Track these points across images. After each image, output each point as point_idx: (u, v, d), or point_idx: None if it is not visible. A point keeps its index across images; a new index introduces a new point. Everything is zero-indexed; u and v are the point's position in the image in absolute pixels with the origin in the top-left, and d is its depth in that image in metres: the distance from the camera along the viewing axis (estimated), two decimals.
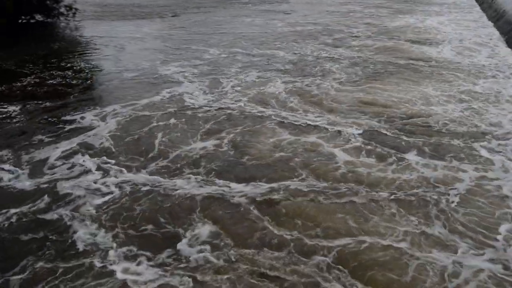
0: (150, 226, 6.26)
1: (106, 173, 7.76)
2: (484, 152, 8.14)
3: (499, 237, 5.73)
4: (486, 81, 12.44)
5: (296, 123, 9.90)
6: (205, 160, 8.21)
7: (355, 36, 19.47)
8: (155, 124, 10.07)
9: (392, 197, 6.72)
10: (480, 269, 5.14)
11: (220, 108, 10.97)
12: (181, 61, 15.99)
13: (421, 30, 20.49)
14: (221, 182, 7.37)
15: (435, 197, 6.66)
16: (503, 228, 5.85)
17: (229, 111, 10.74)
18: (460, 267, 5.18)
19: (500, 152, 8.12)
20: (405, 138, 8.82)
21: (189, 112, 10.75)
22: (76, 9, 28.34)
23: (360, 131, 9.20)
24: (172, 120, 10.22)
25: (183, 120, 10.27)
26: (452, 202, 6.52)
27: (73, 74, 14.46)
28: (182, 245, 5.81)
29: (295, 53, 16.52)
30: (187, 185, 7.27)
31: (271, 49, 17.36)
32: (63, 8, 27.91)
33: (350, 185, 7.11)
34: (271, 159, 8.16)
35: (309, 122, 9.88)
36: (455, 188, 6.91)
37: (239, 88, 12.48)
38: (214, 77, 13.69)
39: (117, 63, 16.29)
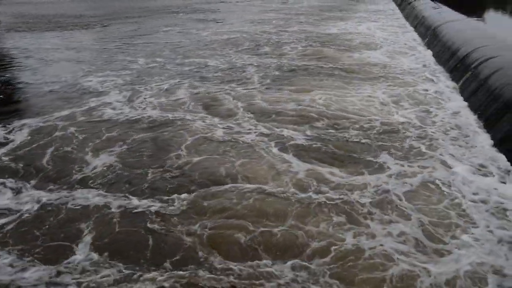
0: (43, 239, 5.99)
1: (5, 188, 7.30)
2: (388, 158, 8.37)
3: None
4: (405, 82, 12.98)
5: (210, 129, 9.76)
6: (111, 172, 7.82)
7: (284, 43, 19.75)
8: (64, 137, 9.52)
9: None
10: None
11: (136, 118, 10.57)
12: (106, 71, 15.40)
13: (350, 37, 21.14)
14: (120, 194, 7.12)
15: (351, 201, 6.74)
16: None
17: (145, 120, 10.43)
18: None
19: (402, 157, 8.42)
20: (321, 144, 8.96)
21: (103, 124, 10.23)
22: None
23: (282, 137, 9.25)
24: (83, 132, 9.73)
25: (94, 131, 9.78)
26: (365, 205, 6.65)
27: None
28: (74, 257, 5.63)
29: (223, 61, 16.36)
30: (92, 198, 6.95)
31: (199, 58, 17.14)
32: None
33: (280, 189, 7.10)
34: (178, 169, 7.94)
35: (222, 129, 9.77)
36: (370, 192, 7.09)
37: (158, 97, 12.14)
38: (137, 87, 13.23)
39: (37, 76, 15.41)
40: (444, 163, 7.75)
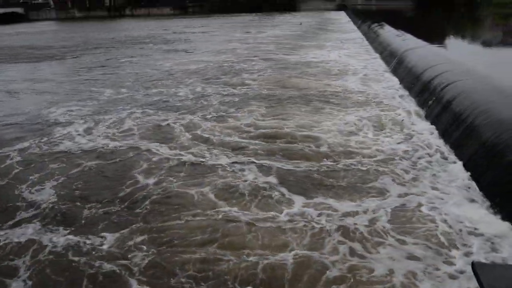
0: None
1: None
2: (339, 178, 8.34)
3: None
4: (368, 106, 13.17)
5: (162, 159, 9.57)
6: (51, 207, 7.51)
7: (251, 71, 19.88)
8: (10, 170, 9.26)
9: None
10: None
11: (88, 149, 10.37)
12: (72, 102, 15.13)
13: (316, 65, 21.46)
14: (59, 229, 6.78)
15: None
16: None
17: (98, 151, 10.23)
18: None
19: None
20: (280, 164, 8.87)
21: (56, 156, 9.99)
22: None
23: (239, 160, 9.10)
24: (32, 165, 9.45)
25: (45, 164, 9.53)
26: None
27: None
28: None
29: (187, 91, 16.21)
30: (30, 233, 6.67)
31: (163, 88, 17.02)
32: None
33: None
34: (122, 203, 7.62)
35: (181, 157, 9.61)
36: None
37: (114, 128, 11.92)
38: (98, 118, 13.02)
39: (1, 107, 15.07)
40: (417, 188, 7.73)
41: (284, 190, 7.86)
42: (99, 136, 11.37)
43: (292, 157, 9.39)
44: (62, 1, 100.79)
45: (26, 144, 10.91)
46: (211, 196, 7.73)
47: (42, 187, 8.37)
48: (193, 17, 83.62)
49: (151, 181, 8.45)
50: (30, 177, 8.84)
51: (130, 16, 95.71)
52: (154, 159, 9.62)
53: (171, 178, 8.52)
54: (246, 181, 8.27)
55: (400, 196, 7.43)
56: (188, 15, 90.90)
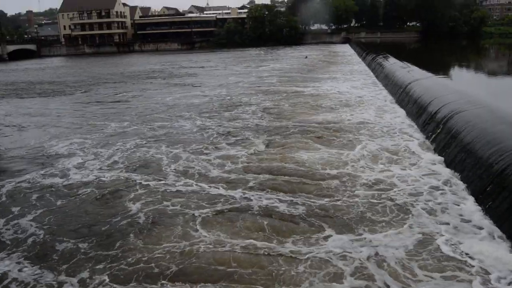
0: None
1: None
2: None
3: None
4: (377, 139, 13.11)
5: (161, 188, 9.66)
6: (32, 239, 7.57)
7: (257, 104, 20.03)
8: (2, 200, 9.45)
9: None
10: None
11: (82, 181, 10.44)
12: (78, 135, 15.31)
13: (320, 97, 21.61)
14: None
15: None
16: None
17: (92, 183, 10.30)
18: None
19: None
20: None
21: (48, 188, 10.10)
22: None
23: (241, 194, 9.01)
24: (22, 196, 9.61)
25: (34, 196, 9.61)
26: None
27: None
28: None
29: (190, 124, 16.32)
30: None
31: (167, 121, 17.14)
32: None
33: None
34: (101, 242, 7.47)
35: (179, 188, 9.63)
36: None
37: (109, 162, 11.94)
38: (97, 151, 13.12)
39: (7, 141, 15.35)
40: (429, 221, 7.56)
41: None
42: (93, 169, 11.39)
43: (295, 191, 9.29)
44: (73, 38, 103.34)
45: (22, 176, 10.99)
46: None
47: (22, 220, 8.39)
48: (200, 52, 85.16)
49: (139, 214, 8.39)
50: (13, 209, 8.90)
51: (139, 52, 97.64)
52: (143, 191, 9.61)
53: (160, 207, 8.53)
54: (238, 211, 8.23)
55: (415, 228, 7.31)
56: (195, 50, 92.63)
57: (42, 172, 11.30)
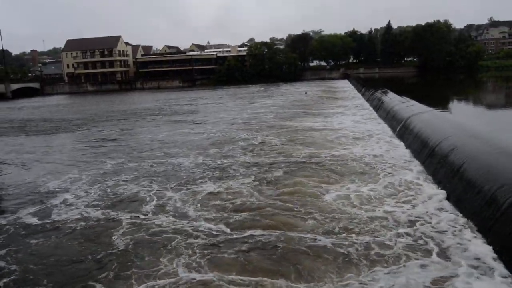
0: None
1: None
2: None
3: None
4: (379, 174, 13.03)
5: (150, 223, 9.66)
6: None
7: (262, 143, 19.95)
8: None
9: None
10: None
11: (73, 218, 10.51)
12: (73, 173, 15.28)
13: (320, 132, 21.66)
14: None
15: None
16: None
17: (80, 220, 10.38)
18: None
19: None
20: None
21: (41, 226, 10.18)
22: None
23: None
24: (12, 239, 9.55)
25: (16, 235, 9.68)
26: None
27: None
28: None
29: (189, 162, 16.19)
30: None
31: (168, 158, 17.19)
32: None
33: None
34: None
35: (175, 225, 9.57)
36: None
37: (102, 199, 12.01)
38: (92, 188, 13.17)
39: (4, 178, 15.46)
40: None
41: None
42: (81, 206, 11.47)
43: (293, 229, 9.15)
44: (76, 76, 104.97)
45: (10, 214, 11.10)
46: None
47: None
48: (201, 89, 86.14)
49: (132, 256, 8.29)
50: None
51: (141, 89, 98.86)
52: (128, 228, 9.62)
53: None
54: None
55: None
56: (196, 87, 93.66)
57: (31, 210, 11.37)
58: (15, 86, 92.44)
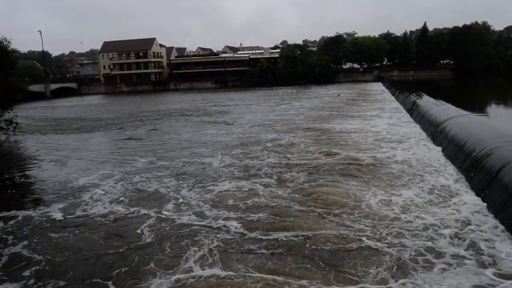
0: None
1: None
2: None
3: None
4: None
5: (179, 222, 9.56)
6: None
7: (293, 145, 19.96)
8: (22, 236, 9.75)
9: None
10: None
11: (102, 213, 10.87)
12: (105, 170, 15.73)
13: (357, 133, 21.40)
14: None
15: None
16: None
17: (108, 214, 10.74)
18: None
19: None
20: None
21: (68, 220, 10.56)
22: (17, 123, 28.17)
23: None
24: (47, 231, 9.91)
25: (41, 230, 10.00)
26: None
27: None
28: None
29: (220, 162, 16.29)
30: None
31: (200, 157, 17.34)
32: (3, 123, 27.81)
33: None
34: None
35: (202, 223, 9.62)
36: None
37: (130, 196, 12.30)
38: (126, 185, 13.51)
39: (42, 174, 16.06)
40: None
41: None
42: (111, 202, 11.82)
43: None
44: (111, 77, 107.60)
45: (43, 208, 11.56)
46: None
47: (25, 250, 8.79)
48: (233, 90, 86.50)
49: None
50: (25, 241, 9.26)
51: (174, 90, 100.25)
52: (157, 225, 9.84)
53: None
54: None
55: None
56: (228, 89, 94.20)
57: (62, 204, 11.80)
58: (54, 86, 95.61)
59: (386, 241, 8.37)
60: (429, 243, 8.16)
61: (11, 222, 10.49)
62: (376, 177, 13.04)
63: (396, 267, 7.36)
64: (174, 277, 7.28)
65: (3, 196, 13.26)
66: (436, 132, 18.34)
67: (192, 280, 7.19)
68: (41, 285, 7.36)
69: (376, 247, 8.11)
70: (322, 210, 10.23)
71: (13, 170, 17.01)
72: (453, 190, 11.30)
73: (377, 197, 11.02)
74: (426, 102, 26.88)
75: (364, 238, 8.51)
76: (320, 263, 7.64)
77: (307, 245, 8.34)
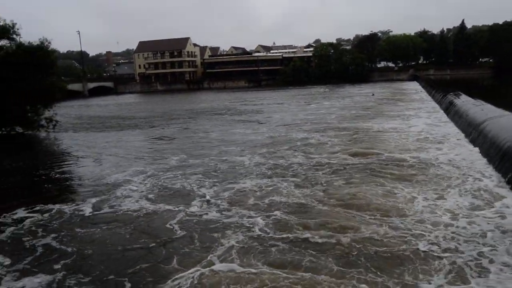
0: None
1: None
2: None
3: None
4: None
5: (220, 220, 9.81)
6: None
7: (324, 144, 19.80)
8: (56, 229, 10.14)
9: None
10: None
11: (133, 209, 11.16)
12: (139, 167, 16.07)
13: (395, 132, 21.08)
14: None
15: None
16: None
17: (137, 211, 10.97)
18: None
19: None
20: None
21: (103, 216, 10.86)
22: (56, 121, 29.21)
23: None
24: (76, 225, 10.25)
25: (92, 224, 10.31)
26: None
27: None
28: None
29: (251, 161, 16.31)
30: None
31: (231, 156, 17.47)
32: (43, 121, 28.91)
33: None
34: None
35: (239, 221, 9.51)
36: None
37: (168, 192, 12.62)
38: (158, 182, 13.79)
39: (79, 170, 16.63)
40: None
41: None
42: (142, 198, 12.12)
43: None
44: (146, 76, 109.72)
45: (77, 204, 11.92)
46: None
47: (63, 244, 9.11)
48: (267, 89, 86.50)
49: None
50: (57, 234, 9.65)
51: (208, 89, 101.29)
52: (186, 220, 10.06)
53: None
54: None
55: None
56: (261, 88, 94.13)
57: (94, 199, 12.20)
58: (91, 85, 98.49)
59: (436, 246, 8.15)
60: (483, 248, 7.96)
61: (46, 215, 10.98)
62: (419, 179, 12.71)
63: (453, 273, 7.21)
64: (200, 271, 7.47)
65: (41, 190, 13.85)
66: (474, 132, 17.81)
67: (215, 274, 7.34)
68: (70, 278, 7.63)
69: (427, 251, 7.97)
70: (366, 213, 10.07)
71: (53, 165, 17.67)
72: (495, 193, 10.92)
73: (421, 200, 10.78)
74: (464, 101, 26.09)
75: (414, 241, 8.40)
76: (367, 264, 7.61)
77: (351, 246, 8.31)
